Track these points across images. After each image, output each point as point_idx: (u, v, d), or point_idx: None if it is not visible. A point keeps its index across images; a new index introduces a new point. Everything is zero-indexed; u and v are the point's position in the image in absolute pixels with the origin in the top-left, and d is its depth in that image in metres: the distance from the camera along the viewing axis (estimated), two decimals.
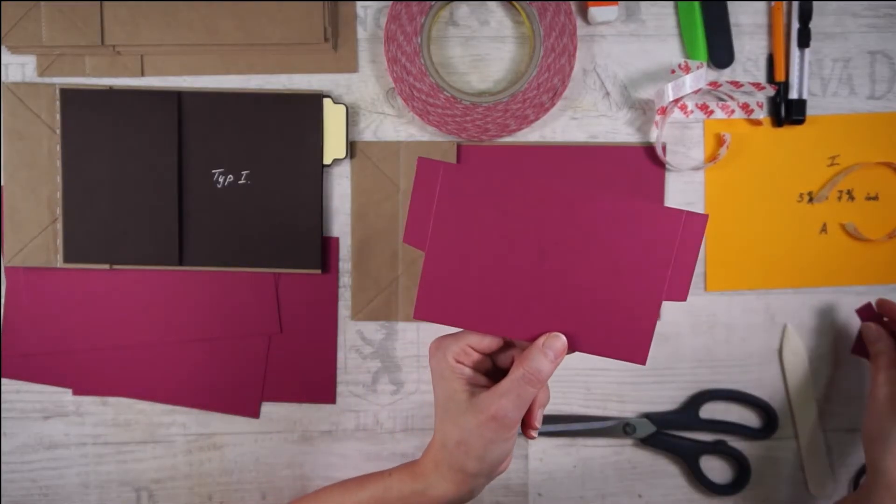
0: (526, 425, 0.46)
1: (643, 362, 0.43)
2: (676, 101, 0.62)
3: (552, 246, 0.43)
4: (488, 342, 0.45)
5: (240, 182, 0.62)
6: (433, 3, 0.60)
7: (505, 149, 0.63)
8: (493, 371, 0.47)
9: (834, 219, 0.64)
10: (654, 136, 0.63)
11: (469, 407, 0.44)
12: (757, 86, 0.62)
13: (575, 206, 0.42)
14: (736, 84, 0.62)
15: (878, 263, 0.65)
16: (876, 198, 0.65)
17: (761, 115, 0.63)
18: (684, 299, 0.43)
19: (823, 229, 0.65)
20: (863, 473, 0.66)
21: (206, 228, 0.62)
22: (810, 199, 0.64)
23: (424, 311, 0.44)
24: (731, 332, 0.65)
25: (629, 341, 0.43)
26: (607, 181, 0.63)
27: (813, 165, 0.64)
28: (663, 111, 0.62)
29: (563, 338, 0.43)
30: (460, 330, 0.46)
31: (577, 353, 0.44)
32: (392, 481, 0.49)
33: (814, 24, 0.62)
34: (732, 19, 0.63)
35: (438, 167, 0.43)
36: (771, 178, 0.64)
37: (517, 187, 0.42)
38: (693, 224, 0.42)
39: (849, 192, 0.64)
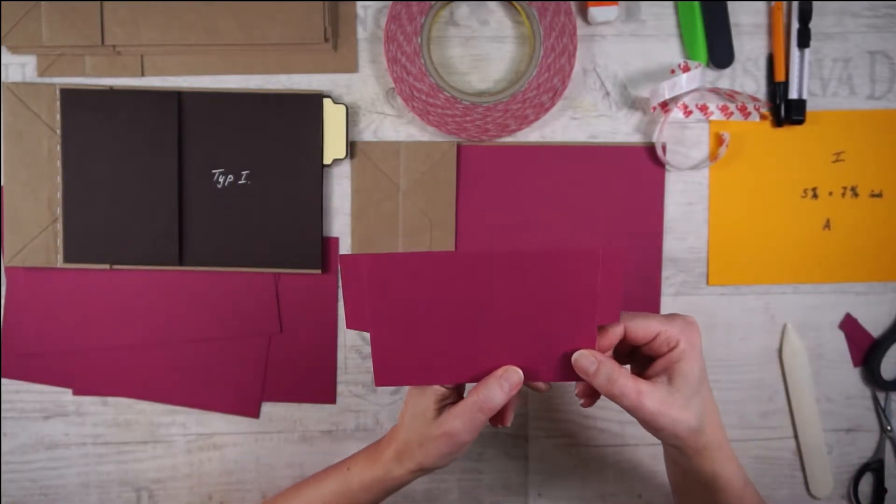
0: (499, 419, 0.50)
1: None
2: (674, 100, 0.62)
3: (485, 300, 0.46)
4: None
5: (240, 182, 0.62)
6: (433, 3, 0.60)
7: (505, 149, 0.63)
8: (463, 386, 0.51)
9: (837, 215, 0.64)
10: (654, 136, 0.63)
11: (432, 423, 0.48)
12: (754, 99, 0.62)
13: (489, 267, 0.45)
14: (733, 95, 0.62)
15: (880, 261, 0.65)
16: (880, 195, 0.65)
17: (757, 118, 0.63)
18: (616, 320, 0.46)
19: (827, 225, 0.65)
20: (863, 473, 0.66)
21: (206, 228, 0.62)
22: (814, 195, 0.64)
23: (383, 380, 0.48)
24: (731, 331, 0.65)
25: None
26: (607, 181, 0.63)
27: (816, 162, 0.64)
28: (655, 109, 0.62)
29: (520, 372, 0.46)
30: None
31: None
32: (352, 474, 0.53)
33: (814, 24, 0.62)
34: (732, 19, 0.63)
35: (362, 261, 0.46)
36: (775, 175, 0.64)
37: (435, 261, 0.46)
38: (612, 257, 0.46)
39: (853, 189, 0.64)
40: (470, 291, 0.46)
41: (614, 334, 0.47)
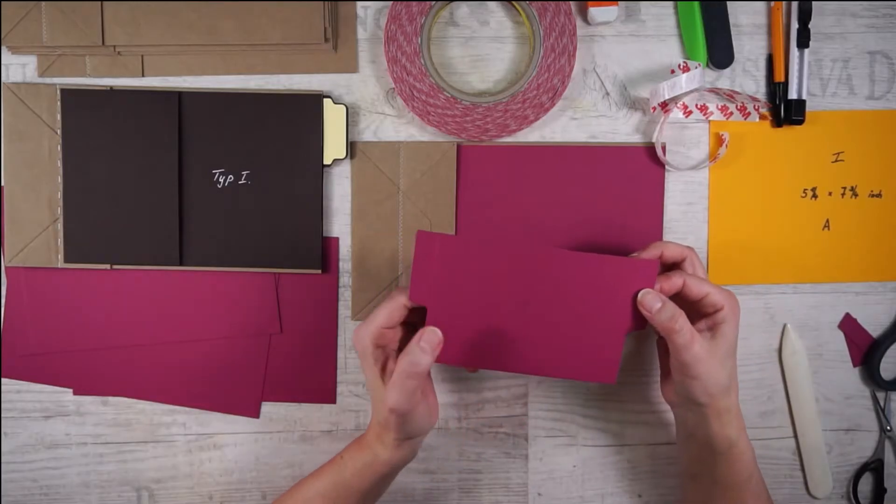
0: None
1: (613, 382, 0.53)
2: (673, 100, 0.62)
3: (534, 295, 0.51)
4: (397, 316, 0.52)
5: (240, 182, 0.62)
6: (433, 3, 0.61)
7: (505, 149, 0.63)
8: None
9: (837, 215, 0.65)
10: (654, 136, 0.63)
11: (382, 395, 0.51)
12: (753, 99, 0.62)
13: (550, 262, 0.50)
14: (732, 95, 0.62)
15: (880, 261, 0.65)
16: (879, 195, 0.65)
17: (757, 118, 0.63)
18: (644, 328, 0.52)
19: (826, 225, 0.65)
20: (862, 473, 0.66)
21: (206, 228, 0.62)
22: (813, 196, 0.64)
23: None
24: None
25: (601, 366, 0.52)
26: (607, 181, 0.64)
27: (816, 162, 0.64)
28: (654, 109, 0.62)
29: (438, 332, 0.49)
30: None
31: None
32: (345, 462, 0.55)
33: (813, 25, 0.62)
34: (732, 19, 0.63)
35: (435, 239, 0.50)
36: (774, 175, 0.64)
37: (502, 250, 0.50)
38: (646, 269, 0.51)
39: (852, 189, 0.64)
40: (523, 282, 0.50)
41: (674, 284, 0.52)
